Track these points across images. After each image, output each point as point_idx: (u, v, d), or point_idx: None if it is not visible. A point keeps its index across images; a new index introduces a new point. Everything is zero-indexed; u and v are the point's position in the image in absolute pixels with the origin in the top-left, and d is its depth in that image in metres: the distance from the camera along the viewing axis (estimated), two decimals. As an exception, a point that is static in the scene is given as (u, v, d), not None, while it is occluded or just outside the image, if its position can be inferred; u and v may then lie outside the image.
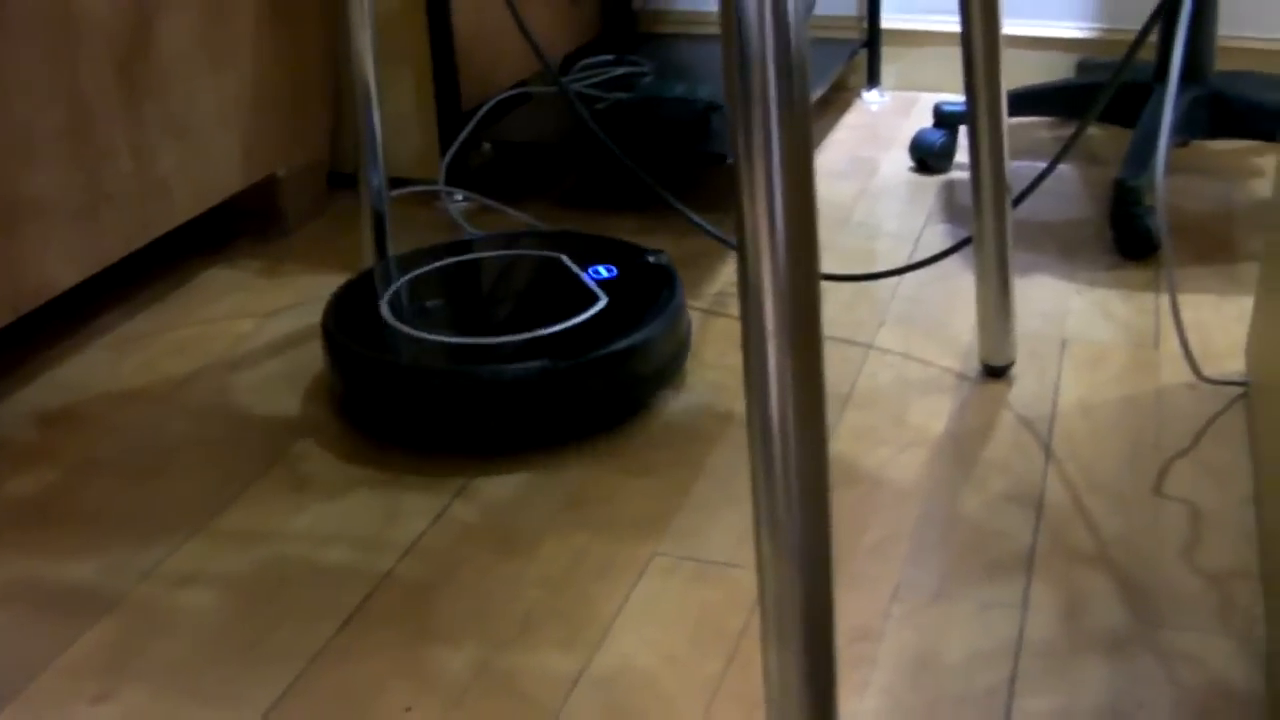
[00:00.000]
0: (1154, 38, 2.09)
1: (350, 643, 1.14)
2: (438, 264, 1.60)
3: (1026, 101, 2.17)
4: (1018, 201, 1.49)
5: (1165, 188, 1.97)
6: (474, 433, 1.39)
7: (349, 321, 1.47)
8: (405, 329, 1.44)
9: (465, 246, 1.64)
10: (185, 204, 1.72)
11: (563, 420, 1.40)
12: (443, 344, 1.41)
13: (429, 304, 1.49)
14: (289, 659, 1.12)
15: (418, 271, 1.58)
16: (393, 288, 1.54)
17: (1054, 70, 2.44)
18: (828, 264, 1.79)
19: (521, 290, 1.52)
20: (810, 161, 0.73)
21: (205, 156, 1.74)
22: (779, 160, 0.71)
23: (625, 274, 1.54)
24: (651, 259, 1.54)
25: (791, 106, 0.71)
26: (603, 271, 1.54)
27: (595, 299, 1.48)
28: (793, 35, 0.70)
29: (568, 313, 1.46)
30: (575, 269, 1.55)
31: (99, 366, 1.59)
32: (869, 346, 1.58)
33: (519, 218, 1.97)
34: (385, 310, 1.49)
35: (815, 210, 0.74)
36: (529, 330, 1.43)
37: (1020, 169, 2.13)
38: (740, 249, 0.74)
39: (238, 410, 1.49)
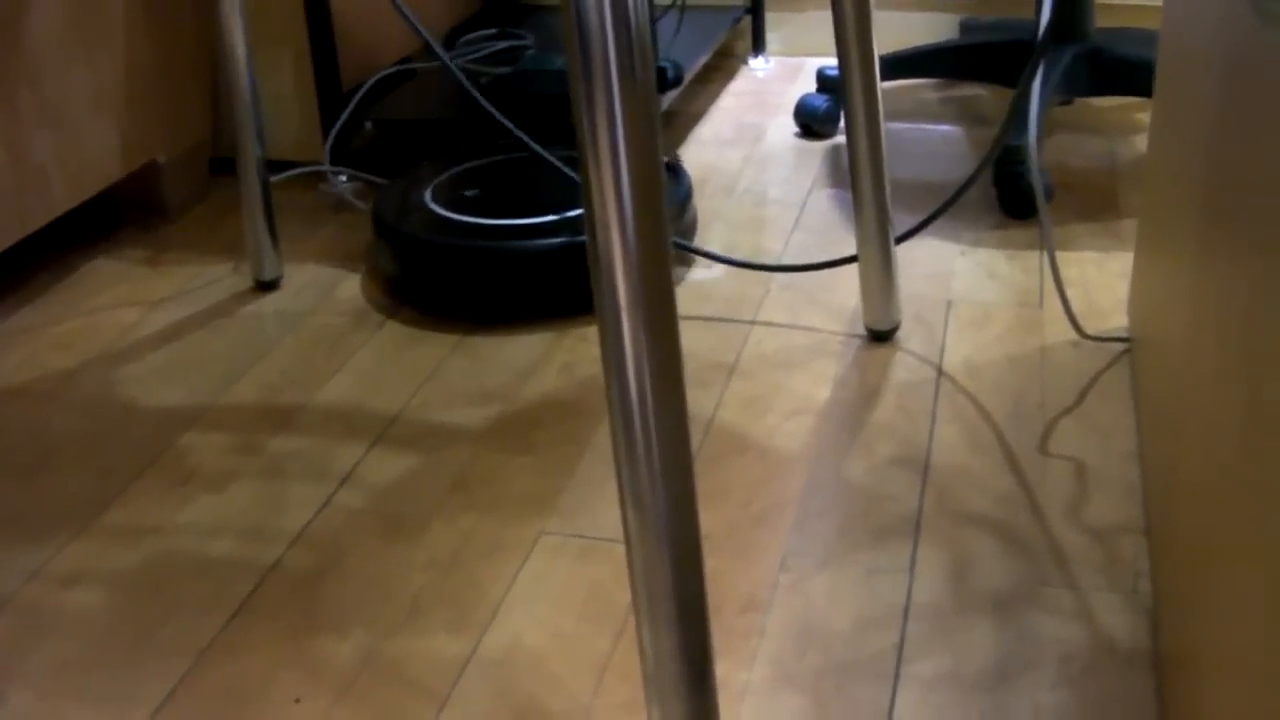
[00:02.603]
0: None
1: (238, 635, 1.13)
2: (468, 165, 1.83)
3: (910, 63, 2.18)
4: (928, 221, 1.50)
5: (1042, 148, 1.99)
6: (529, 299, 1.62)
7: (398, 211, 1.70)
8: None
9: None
10: (63, 194, 1.69)
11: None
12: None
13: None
14: (177, 655, 1.11)
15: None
16: (433, 183, 1.76)
17: (937, 31, 2.45)
18: (715, 232, 1.79)
19: (541, 181, 1.76)
20: (655, 136, 0.72)
21: (82, 145, 1.72)
22: (623, 136, 0.71)
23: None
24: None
25: (634, 82, 0.70)
26: None
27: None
28: (631, 10, 0.69)
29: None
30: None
31: (-21, 364, 1.57)
32: (754, 315, 1.58)
33: (405, 197, 1.96)
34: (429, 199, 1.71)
35: (663, 185, 0.74)
36: (558, 212, 1.66)
37: (906, 131, 2.14)
38: (590, 228, 0.74)
39: (123, 403, 1.47)
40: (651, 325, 0.75)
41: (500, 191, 1.72)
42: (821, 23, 2.52)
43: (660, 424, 0.77)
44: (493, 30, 2.33)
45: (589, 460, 1.33)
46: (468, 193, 1.69)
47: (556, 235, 1.58)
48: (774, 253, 1.73)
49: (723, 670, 1.06)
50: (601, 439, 1.36)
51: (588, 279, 1.58)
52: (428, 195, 1.71)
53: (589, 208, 0.74)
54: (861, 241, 1.46)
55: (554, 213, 1.63)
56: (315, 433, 1.39)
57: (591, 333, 1.56)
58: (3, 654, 1.12)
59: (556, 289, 1.60)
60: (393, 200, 1.71)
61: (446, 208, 1.67)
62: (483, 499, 1.28)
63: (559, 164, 1.73)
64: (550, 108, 1.95)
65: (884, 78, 1.54)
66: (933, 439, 1.33)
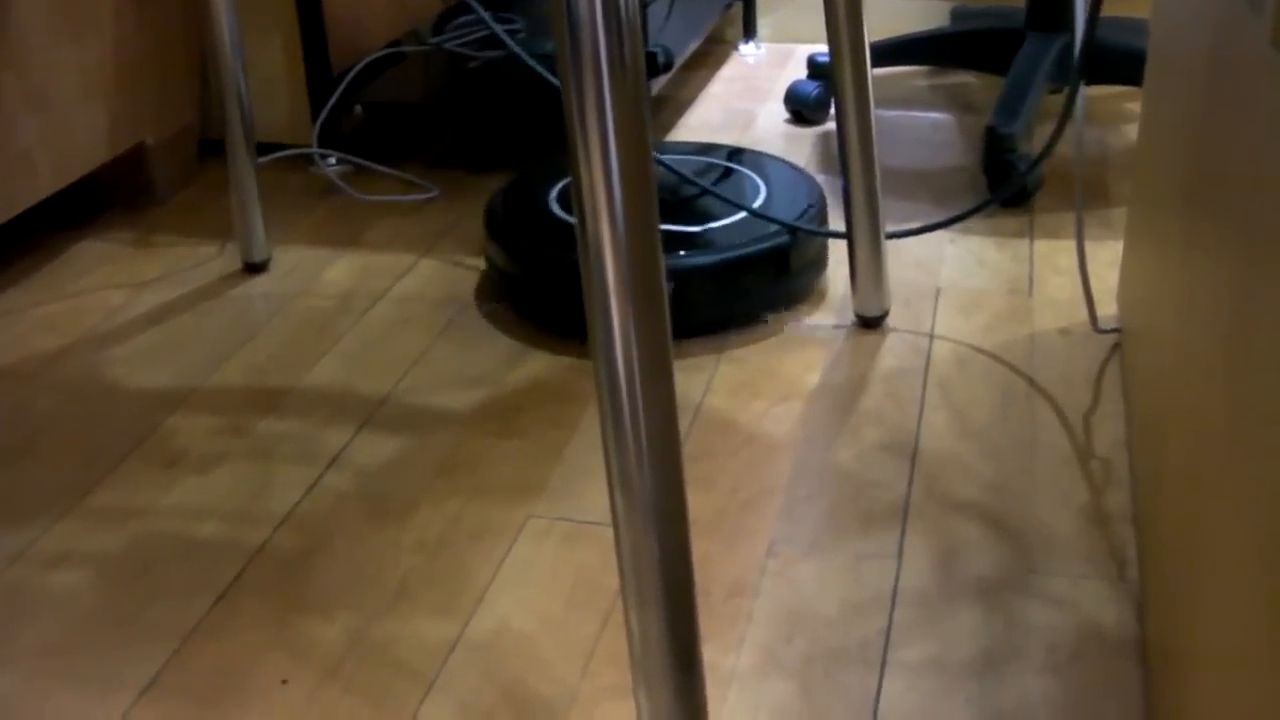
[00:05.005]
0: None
1: (225, 617, 1.12)
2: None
3: (900, 51, 2.18)
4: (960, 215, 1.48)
5: (1031, 136, 1.98)
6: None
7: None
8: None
9: None
10: (49, 177, 1.69)
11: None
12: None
13: None
14: (163, 636, 1.11)
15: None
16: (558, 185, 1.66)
17: (928, 18, 2.44)
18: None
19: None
20: (645, 122, 0.72)
21: (69, 128, 1.71)
22: (613, 122, 0.71)
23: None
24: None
25: (624, 68, 0.70)
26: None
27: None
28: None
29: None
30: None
31: (-35, 345, 1.56)
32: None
33: (397, 178, 1.95)
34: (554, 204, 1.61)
35: (651, 164, 0.73)
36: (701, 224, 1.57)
37: (895, 118, 2.13)
38: (578, 212, 0.74)
39: (108, 385, 1.47)
40: (640, 310, 0.75)
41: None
42: (812, 9, 2.51)
43: (649, 408, 0.77)
44: (483, 14, 2.32)
45: (576, 444, 1.33)
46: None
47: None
48: (763, 239, 1.73)
49: (710, 655, 1.06)
50: (588, 423, 1.36)
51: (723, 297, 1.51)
52: (552, 196, 1.63)
53: (578, 192, 0.74)
54: (851, 228, 1.45)
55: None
56: (302, 415, 1.39)
57: (580, 317, 1.56)
58: (-12, 635, 1.12)
59: (706, 308, 1.52)
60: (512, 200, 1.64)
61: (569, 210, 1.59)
62: (470, 483, 1.28)
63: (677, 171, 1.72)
64: (539, 91, 1.95)
65: (874, 65, 1.54)
66: (921, 425, 1.33)
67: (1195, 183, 0.94)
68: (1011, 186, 1.53)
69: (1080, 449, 1.29)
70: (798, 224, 1.51)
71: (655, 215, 0.74)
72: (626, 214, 0.73)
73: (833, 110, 2.11)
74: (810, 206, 1.56)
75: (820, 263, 1.59)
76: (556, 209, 1.60)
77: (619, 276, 0.74)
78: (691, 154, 1.74)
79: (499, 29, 1.66)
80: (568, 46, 0.71)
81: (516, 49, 1.63)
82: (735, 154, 1.74)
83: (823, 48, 2.42)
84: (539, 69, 1.66)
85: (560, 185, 1.66)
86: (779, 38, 2.55)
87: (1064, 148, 1.98)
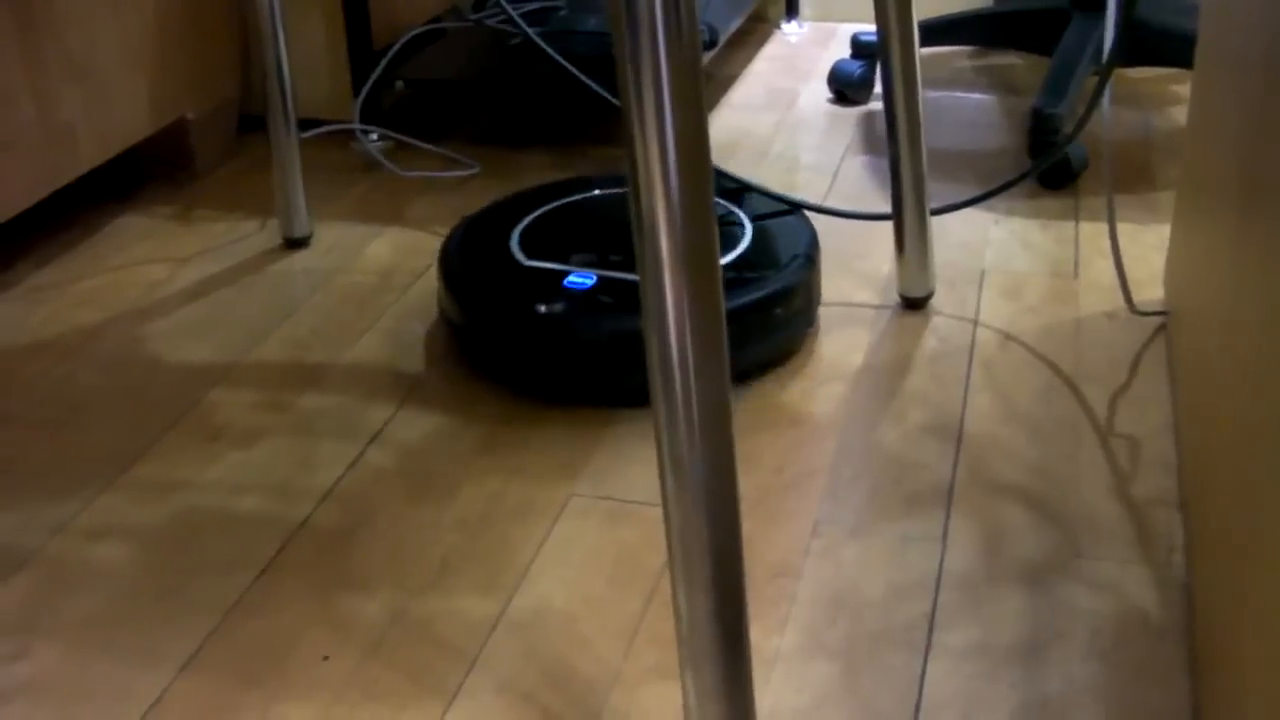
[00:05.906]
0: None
1: (267, 592, 1.12)
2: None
3: (946, 30, 2.17)
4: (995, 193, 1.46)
5: (1074, 118, 1.97)
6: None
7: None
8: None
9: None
10: (91, 150, 1.69)
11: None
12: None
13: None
14: (205, 611, 1.10)
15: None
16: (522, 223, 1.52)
17: (973, -2, 2.43)
18: (747, 198, 1.78)
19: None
20: (700, 94, 0.71)
21: (110, 101, 1.71)
22: (669, 94, 0.70)
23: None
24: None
25: (680, 35, 0.69)
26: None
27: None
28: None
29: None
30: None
31: (6, 319, 1.56)
32: (788, 281, 1.57)
33: (438, 154, 1.95)
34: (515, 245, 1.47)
35: (707, 137, 0.73)
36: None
37: (939, 99, 2.12)
38: (633, 186, 0.73)
39: (150, 360, 1.46)
40: (694, 285, 0.74)
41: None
42: (855, -12, 2.50)
43: (701, 385, 0.76)
44: (524, -9, 2.32)
45: (618, 426, 1.32)
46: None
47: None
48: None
49: (754, 636, 1.05)
50: (632, 406, 1.35)
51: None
52: (514, 238, 1.48)
53: (632, 167, 0.73)
54: (898, 209, 1.44)
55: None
56: (344, 391, 1.39)
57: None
58: (29, 608, 1.12)
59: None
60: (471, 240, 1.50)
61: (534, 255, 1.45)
62: (512, 461, 1.27)
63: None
64: (581, 68, 1.94)
65: (919, 44, 1.53)
66: (966, 408, 1.32)
67: (1253, 166, 0.92)
68: (1044, 161, 1.51)
69: (1125, 433, 1.28)
70: (784, 273, 1.40)
71: (710, 188, 0.73)
72: (681, 187, 0.72)
73: (877, 90, 2.10)
74: (796, 256, 1.43)
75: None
76: (519, 253, 1.45)
77: (673, 251, 0.73)
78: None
79: (517, 16, 1.65)
80: (623, 16, 0.70)
81: (538, 39, 1.62)
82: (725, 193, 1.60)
83: (866, 26, 2.41)
84: (560, 59, 1.64)
85: (523, 225, 1.51)
86: (821, 16, 2.53)
87: (1110, 131, 1.96)
